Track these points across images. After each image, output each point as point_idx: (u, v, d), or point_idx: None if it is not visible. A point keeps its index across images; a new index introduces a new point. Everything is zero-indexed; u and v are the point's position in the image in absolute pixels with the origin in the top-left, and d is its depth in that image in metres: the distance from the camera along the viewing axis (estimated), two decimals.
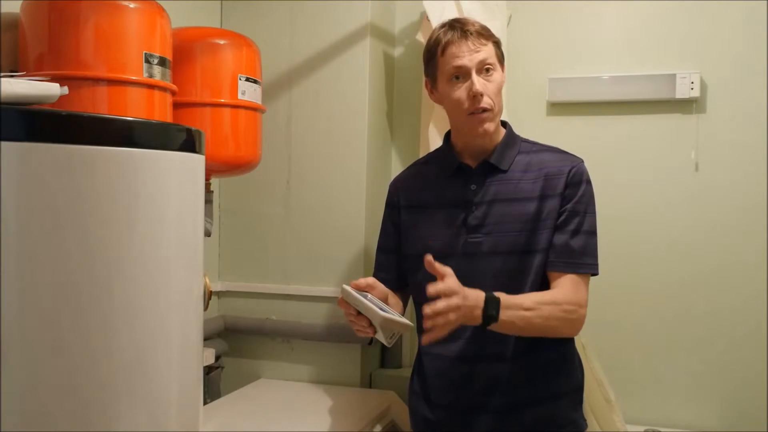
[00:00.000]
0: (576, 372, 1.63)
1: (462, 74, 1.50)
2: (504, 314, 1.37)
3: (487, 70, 1.50)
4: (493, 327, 1.38)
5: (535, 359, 1.53)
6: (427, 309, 1.29)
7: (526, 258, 1.48)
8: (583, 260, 1.49)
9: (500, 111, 1.54)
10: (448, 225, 1.54)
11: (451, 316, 1.30)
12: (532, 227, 1.49)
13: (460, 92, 1.50)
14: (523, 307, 1.40)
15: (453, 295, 1.30)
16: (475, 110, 1.49)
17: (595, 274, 1.52)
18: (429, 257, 1.33)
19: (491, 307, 1.35)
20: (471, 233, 1.51)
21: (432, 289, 1.32)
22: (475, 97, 1.48)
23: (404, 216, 1.63)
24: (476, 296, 1.35)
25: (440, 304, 1.29)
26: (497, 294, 1.37)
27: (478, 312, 1.34)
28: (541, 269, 1.48)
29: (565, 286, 1.47)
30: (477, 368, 1.53)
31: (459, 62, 1.49)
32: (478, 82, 1.48)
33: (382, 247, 1.69)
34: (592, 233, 1.53)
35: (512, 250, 1.48)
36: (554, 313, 1.44)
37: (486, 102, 1.49)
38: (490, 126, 1.51)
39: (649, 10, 2.24)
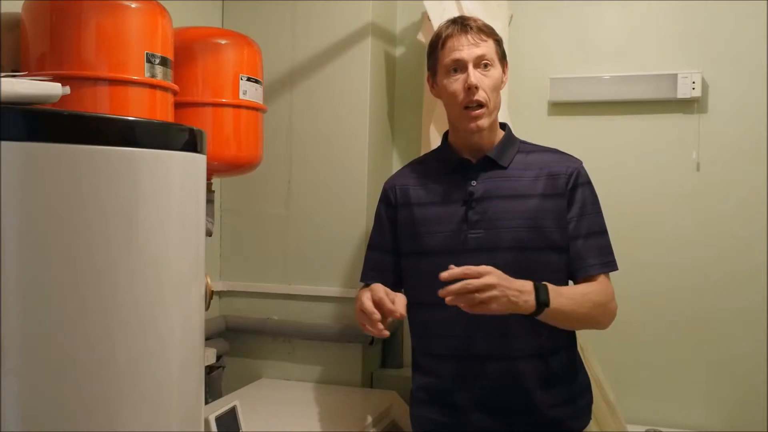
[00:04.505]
0: (583, 374, 1.63)
1: (460, 67, 1.51)
2: (554, 301, 1.38)
3: (486, 65, 1.51)
4: (543, 316, 1.39)
5: (541, 360, 1.53)
6: (442, 291, 1.31)
7: (529, 254, 1.49)
8: (601, 260, 1.52)
9: (496, 108, 1.54)
10: (449, 221, 1.54)
11: (486, 295, 1.30)
12: (535, 224, 1.50)
13: (457, 84, 1.51)
14: (566, 296, 1.43)
15: (486, 274, 1.32)
16: (469, 103, 1.50)
17: (615, 269, 1.54)
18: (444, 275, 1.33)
19: (542, 292, 1.37)
20: (472, 229, 1.51)
21: (445, 274, 1.32)
22: (470, 89, 1.49)
23: (402, 214, 1.62)
24: (524, 283, 1.37)
25: (457, 285, 1.31)
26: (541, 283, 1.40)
27: (531, 298, 1.35)
28: (546, 267, 1.49)
29: (593, 283, 1.51)
30: (478, 368, 1.53)
31: (457, 55, 1.51)
32: (474, 75, 1.49)
33: (376, 246, 1.68)
34: (604, 232, 1.55)
35: (514, 245, 1.49)
36: (596, 300, 1.48)
37: (481, 96, 1.49)
38: (483, 122, 1.51)
39: (651, 10, 2.23)
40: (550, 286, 1.40)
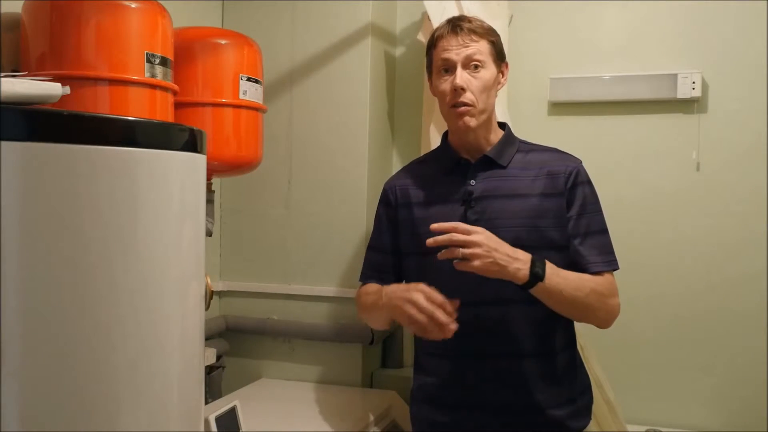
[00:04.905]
0: (583, 374, 1.63)
1: (449, 67, 1.52)
2: (551, 278, 1.39)
3: (475, 66, 1.51)
4: (539, 292, 1.40)
5: (541, 360, 1.53)
6: (429, 240, 1.35)
7: (529, 253, 1.48)
8: (601, 258, 1.52)
9: (486, 108, 1.54)
10: (448, 220, 1.54)
11: (469, 251, 1.33)
12: (534, 223, 1.50)
13: (446, 85, 1.52)
14: (564, 276, 1.43)
15: (474, 233, 1.35)
16: (455, 104, 1.50)
17: (616, 268, 1.54)
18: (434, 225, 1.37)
19: (537, 265, 1.39)
20: None
21: (436, 225, 1.36)
22: (455, 90, 1.49)
23: (402, 214, 1.62)
24: (519, 252, 1.39)
25: (443, 237, 1.35)
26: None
27: (524, 268, 1.37)
28: None
29: (595, 275, 1.51)
30: (478, 368, 1.53)
31: (446, 55, 1.52)
32: (460, 76, 1.49)
33: (376, 247, 1.68)
34: (604, 231, 1.55)
35: (513, 245, 1.48)
36: (595, 288, 1.48)
37: (467, 97, 1.50)
38: (470, 121, 1.51)
39: (651, 10, 2.23)
40: (550, 264, 1.41)
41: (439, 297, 1.37)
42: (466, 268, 1.35)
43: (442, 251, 1.36)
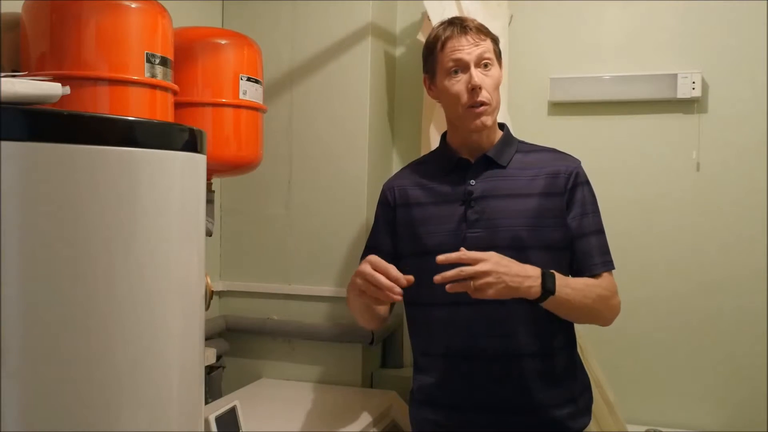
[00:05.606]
0: (583, 374, 1.63)
1: (461, 68, 1.52)
2: (561, 290, 1.40)
3: (486, 65, 1.53)
4: (549, 305, 1.41)
5: (541, 360, 1.53)
6: (437, 277, 1.32)
7: (528, 253, 1.49)
8: (602, 259, 1.54)
9: (497, 106, 1.56)
10: (448, 221, 1.54)
11: (481, 282, 1.31)
12: (534, 223, 1.50)
13: (459, 86, 1.52)
14: (572, 286, 1.44)
15: (479, 261, 1.32)
16: (473, 103, 1.51)
17: (613, 268, 1.56)
18: (440, 257, 1.35)
19: (548, 280, 1.39)
20: (471, 228, 1.52)
21: (442, 257, 1.34)
22: (473, 89, 1.50)
23: (400, 214, 1.62)
24: (528, 268, 1.38)
25: (451, 272, 1.32)
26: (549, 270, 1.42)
27: (535, 285, 1.37)
28: (545, 266, 1.47)
29: (598, 278, 1.53)
30: (478, 368, 1.53)
31: (458, 56, 1.52)
32: (476, 75, 1.50)
33: (374, 247, 1.66)
34: (602, 231, 1.57)
35: (512, 245, 1.49)
36: (600, 294, 1.50)
37: (484, 96, 1.50)
38: (487, 120, 1.52)
39: (651, 10, 2.24)
40: (558, 275, 1.42)
41: (383, 264, 1.39)
42: (481, 296, 1.34)
43: (453, 284, 1.33)
